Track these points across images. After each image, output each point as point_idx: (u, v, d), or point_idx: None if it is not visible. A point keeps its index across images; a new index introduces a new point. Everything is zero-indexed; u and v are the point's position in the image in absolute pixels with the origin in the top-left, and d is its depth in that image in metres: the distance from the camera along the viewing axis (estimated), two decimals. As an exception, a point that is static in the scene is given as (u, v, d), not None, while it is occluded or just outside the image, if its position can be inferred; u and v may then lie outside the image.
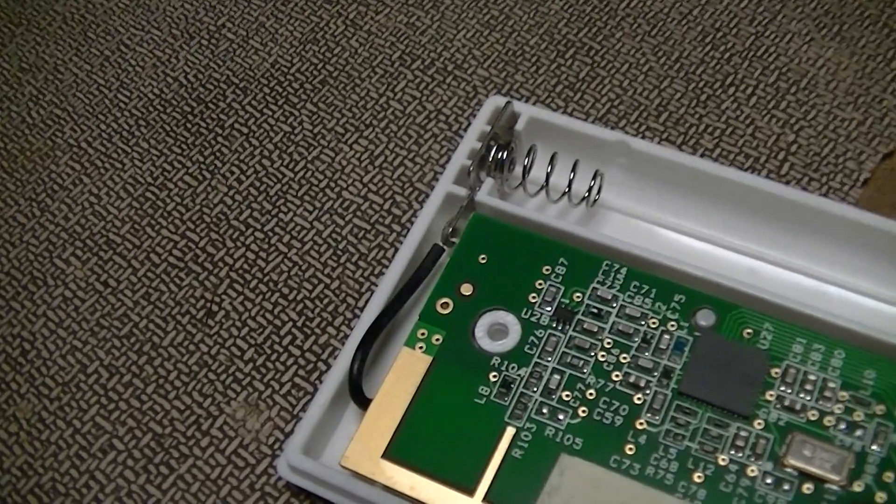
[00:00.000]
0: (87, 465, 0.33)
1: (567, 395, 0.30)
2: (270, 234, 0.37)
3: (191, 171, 0.39)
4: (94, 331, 0.36)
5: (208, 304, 0.36)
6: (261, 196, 0.38)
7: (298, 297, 0.36)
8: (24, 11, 0.45)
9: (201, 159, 0.39)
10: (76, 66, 0.43)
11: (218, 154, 0.39)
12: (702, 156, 0.37)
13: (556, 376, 0.31)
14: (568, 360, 0.31)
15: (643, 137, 0.38)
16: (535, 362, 0.31)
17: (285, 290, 0.36)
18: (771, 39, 0.40)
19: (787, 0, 0.41)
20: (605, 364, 0.31)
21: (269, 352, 0.35)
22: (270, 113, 0.40)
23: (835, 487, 0.28)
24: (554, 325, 0.31)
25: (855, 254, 0.34)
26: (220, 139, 0.40)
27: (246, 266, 0.36)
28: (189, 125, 0.40)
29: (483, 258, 0.33)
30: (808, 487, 0.28)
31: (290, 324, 0.35)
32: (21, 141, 0.41)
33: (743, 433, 0.29)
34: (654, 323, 0.31)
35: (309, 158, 0.39)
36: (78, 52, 0.43)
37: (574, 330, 0.31)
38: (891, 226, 0.33)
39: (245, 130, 0.40)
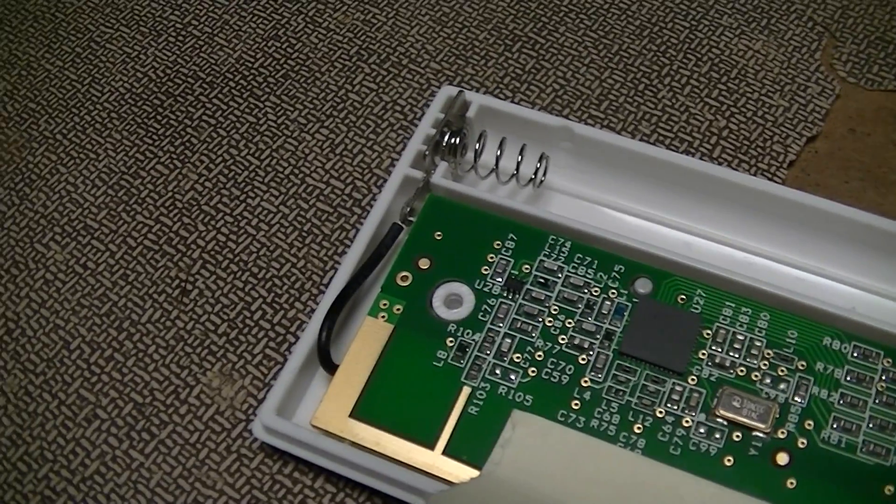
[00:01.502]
0: (73, 433, 0.35)
1: (518, 357, 0.33)
2: (239, 217, 0.40)
3: (162, 160, 0.41)
4: (75, 310, 0.38)
5: (183, 284, 0.38)
6: (229, 182, 0.40)
7: (267, 276, 0.38)
8: (-4, 11, 0.47)
9: (172, 149, 0.42)
10: (48, 63, 0.45)
11: (188, 144, 0.42)
12: (640, 140, 0.40)
13: (508, 340, 0.33)
14: (518, 326, 0.34)
15: (586, 124, 0.40)
16: (488, 328, 0.34)
17: (255, 270, 0.38)
18: (704, 33, 0.43)
19: (718, -4, 0.44)
20: (552, 328, 0.33)
21: (241, 326, 0.37)
22: (236, 105, 0.43)
23: (761, 435, 0.31)
24: (505, 295, 0.34)
25: (780, 227, 0.37)
26: (189, 130, 0.42)
27: (217, 248, 0.39)
28: (159, 117, 0.43)
29: (439, 235, 0.35)
30: (737, 435, 0.31)
31: (261, 300, 0.38)
32: (-2, 134, 0.43)
33: (678, 388, 0.32)
34: (596, 291, 0.34)
35: (274, 147, 0.41)
36: (50, 48, 0.46)
37: (523, 298, 0.34)
38: (812, 201, 0.36)
39: (213, 122, 0.42)
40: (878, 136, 0.40)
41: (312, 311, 0.37)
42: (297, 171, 0.40)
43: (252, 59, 0.44)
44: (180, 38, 0.45)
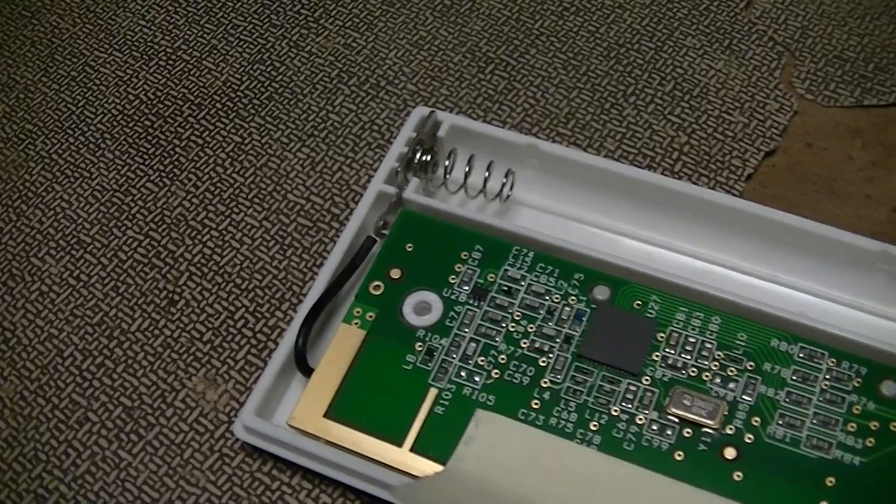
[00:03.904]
0: (66, 435, 0.37)
1: (482, 360, 0.35)
2: (224, 232, 0.42)
3: (152, 178, 0.44)
4: (68, 320, 0.40)
5: (170, 294, 0.40)
6: (215, 199, 0.43)
7: (250, 287, 0.40)
8: (-4, 38, 0.50)
9: (161, 167, 0.44)
10: (45, 86, 0.47)
11: (176, 163, 0.44)
12: (605, 157, 0.42)
13: (473, 344, 0.35)
14: (483, 331, 0.36)
15: (553, 142, 0.42)
16: (455, 333, 0.36)
17: (238, 281, 0.40)
18: (668, 53, 0.45)
19: (684, 18, 0.46)
20: (515, 333, 0.35)
21: (224, 334, 0.39)
22: (223, 126, 0.45)
23: (710, 431, 0.33)
24: (471, 302, 0.36)
25: (738, 238, 0.38)
26: (177, 150, 0.44)
27: (203, 260, 0.41)
28: (150, 137, 0.45)
29: (410, 247, 0.38)
30: (687, 432, 0.33)
31: (244, 309, 0.40)
32: (-3, 155, 0.45)
33: (632, 388, 0.34)
34: (556, 298, 0.36)
35: (258, 165, 0.43)
36: (46, 72, 0.48)
37: (488, 305, 0.36)
38: (767, 212, 0.38)
39: (200, 142, 0.44)
40: (835, 150, 0.42)
41: (292, 318, 0.39)
42: (279, 188, 0.42)
43: (238, 82, 0.46)
44: (170, 62, 0.47)
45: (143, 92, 0.46)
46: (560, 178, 0.40)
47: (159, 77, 0.47)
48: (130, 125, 0.45)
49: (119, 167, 0.44)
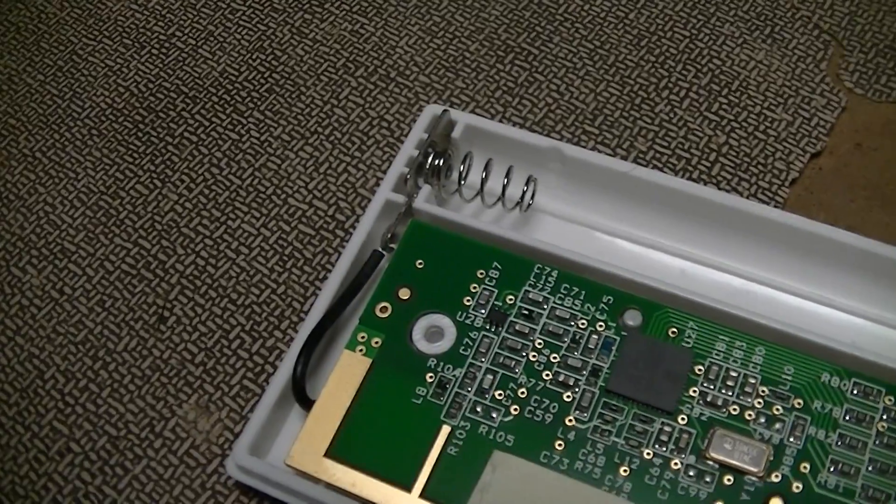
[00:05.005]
0: (46, 467, 0.34)
1: (500, 395, 0.32)
2: (219, 240, 0.38)
3: (142, 179, 0.40)
4: (50, 337, 0.37)
5: (160, 310, 0.37)
6: (210, 203, 0.39)
7: (247, 302, 0.37)
8: (-21, 21, 0.46)
9: (152, 168, 0.40)
10: (30, 77, 0.44)
11: (168, 163, 0.40)
12: (636, 158, 0.38)
13: (490, 376, 0.32)
14: (501, 361, 0.32)
15: (579, 142, 0.39)
16: (470, 363, 0.32)
17: (234, 296, 0.37)
18: (704, 42, 0.41)
19: (721, 3, 0.42)
20: (536, 364, 0.32)
21: (218, 355, 0.36)
22: (219, 121, 0.41)
23: (754, 479, 0.30)
24: (487, 327, 0.33)
25: (780, 253, 0.35)
26: (170, 148, 0.41)
27: (196, 272, 0.38)
28: (140, 134, 0.41)
29: (420, 263, 0.34)
30: (728, 479, 0.30)
31: (239, 328, 0.36)
32: (-23, 151, 0.42)
33: (667, 428, 0.31)
34: (583, 324, 0.33)
35: (256, 166, 0.40)
36: (31, 62, 0.44)
37: (507, 331, 0.33)
38: (814, 227, 0.34)
39: (194, 139, 0.41)
40: (886, 151, 0.38)
41: (292, 339, 0.36)
42: (279, 192, 0.39)
43: (236, 73, 0.43)
44: (163, 50, 0.44)
45: (134, 83, 0.43)
46: (585, 184, 0.37)
47: (151, 67, 0.43)
48: (120, 120, 0.42)
49: (107, 167, 0.41)
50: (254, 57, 0.43)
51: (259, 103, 0.42)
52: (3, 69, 0.44)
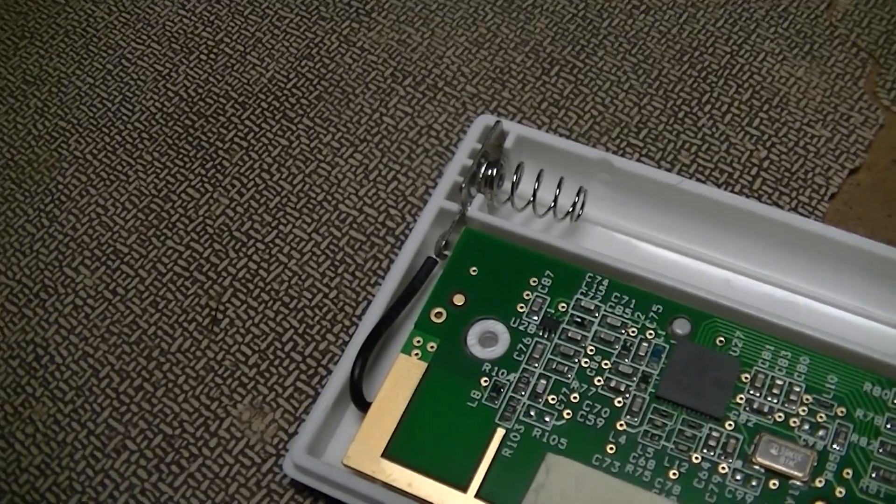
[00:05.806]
0: (102, 464, 0.35)
1: (553, 399, 0.32)
2: (271, 245, 0.39)
3: (193, 183, 0.41)
4: (104, 337, 0.38)
5: (213, 312, 0.38)
6: (261, 208, 0.40)
7: (299, 306, 0.38)
8: (28, 24, 0.47)
9: (203, 172, 0.41)
10: (79, 79, 0.45)
11: (219, 167, 0.41)
12: (679, 171, 0.39)
13: (543, 381, 0.33)
14: (553, 366, 0.33)
15: (624, 154, 0.40)
16: (523, 368, 0.33)
17: (286, 299, 0.38)
18: (745, 58, 0.42)
19: (761, 20, 0.43)
20: (588, 370, 0.33)
21: (272, 357, 0.37)
22: (269, 127, 0.42)
23: (798, 483, 0.31)
24: (540, 334, 0.34)
25: (821, 266, 0.36)
26: (220, 152, 0.42)
27: (248, 276, 0.38)
28: (190, 138, 0.42)
29: (474, 270, 0.35)
30: (774, 483, 0.31)
31: (292, 331, 0.37)
32: (28, 153, 0.43)
33: (715, 433, 0.32)
34: (633, 331, 0.33)
35: (306, 172, 0.41)
36: (80, 65, 0.45)
37: (559, 338, 0.33)
38: (853, 240, 0.35)
39: (244, 144, 0.42)
40: (923, 167, 0.39)
41: (345, 343, 0.36)
42: (329, 198, 0.40)
43: (285, 80, 0.43)
44: (212, 55, 0.45)
45: (184, 88, 0.44)
46: (633, 195, 0.37)
47: (200, 72, 0.44)
48: (170, 124, 0.43)
49: (158, 170, 0.41)
50: (302, 64, 0.44)
51: (308, 110, 0.42)
52: (53, 72, 0.45)
